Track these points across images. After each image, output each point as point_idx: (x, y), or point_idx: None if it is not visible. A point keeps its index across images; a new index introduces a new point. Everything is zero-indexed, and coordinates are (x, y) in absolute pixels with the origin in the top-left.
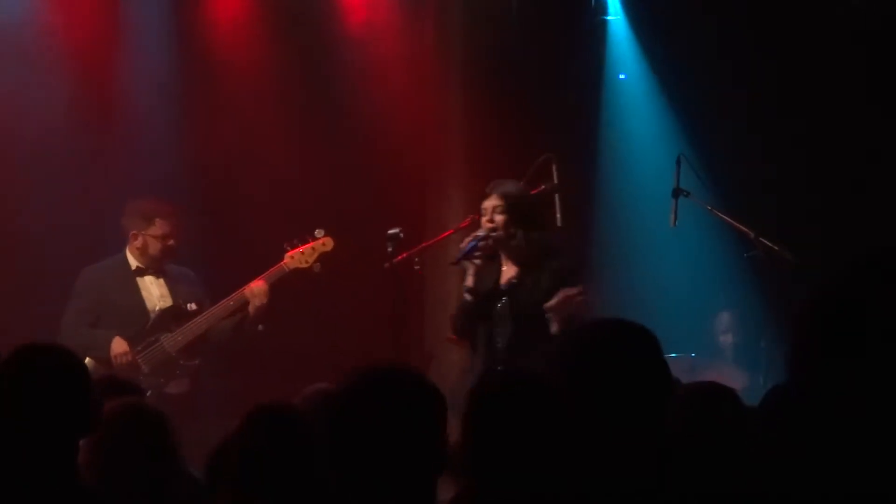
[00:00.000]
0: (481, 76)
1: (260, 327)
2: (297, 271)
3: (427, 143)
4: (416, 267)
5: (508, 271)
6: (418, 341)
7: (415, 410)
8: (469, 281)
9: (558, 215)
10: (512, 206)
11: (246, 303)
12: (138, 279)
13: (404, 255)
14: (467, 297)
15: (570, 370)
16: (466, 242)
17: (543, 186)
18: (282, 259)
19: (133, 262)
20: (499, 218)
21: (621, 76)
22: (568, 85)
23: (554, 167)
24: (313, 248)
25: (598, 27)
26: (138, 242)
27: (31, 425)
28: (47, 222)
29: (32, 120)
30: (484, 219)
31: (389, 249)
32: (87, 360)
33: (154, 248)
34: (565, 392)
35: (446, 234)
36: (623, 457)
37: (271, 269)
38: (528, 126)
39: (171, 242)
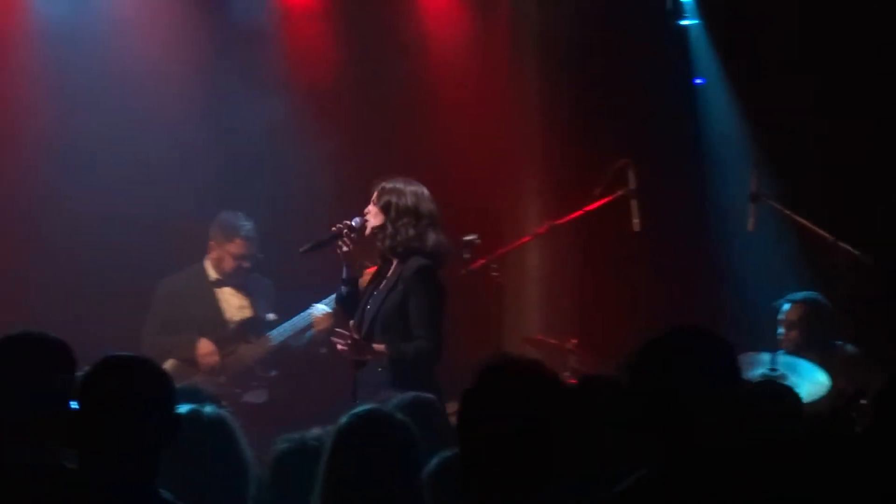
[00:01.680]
0: (557, 81)
1: (323, 350)
2: None
3: (503, 149)
4: (494, 273)
5: (371, 269)
6: (496, 347)
7: (537, 405)
8: (343, 272)
9: (635, 220)
10: (385, 201)
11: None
12: (217, 290)
13: (481, 261)
14: (341, 289)
15: (641, 377)
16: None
17: (621, 192)
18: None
19: (212, 274)
20: (372, 209)
21: (698, 80)
22: (645, 89)
23: (631, 172)
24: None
25: (674, 31)
26: (214, 255)
27: (116, 437)
28: (130, 231)
29: (109, 126)
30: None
31: (466, 256)
32: (171, 361)
33: (228, 264)
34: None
35: (523, 240)
36: (690, 462)
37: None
38: (604, 131)
39: (245, 265)
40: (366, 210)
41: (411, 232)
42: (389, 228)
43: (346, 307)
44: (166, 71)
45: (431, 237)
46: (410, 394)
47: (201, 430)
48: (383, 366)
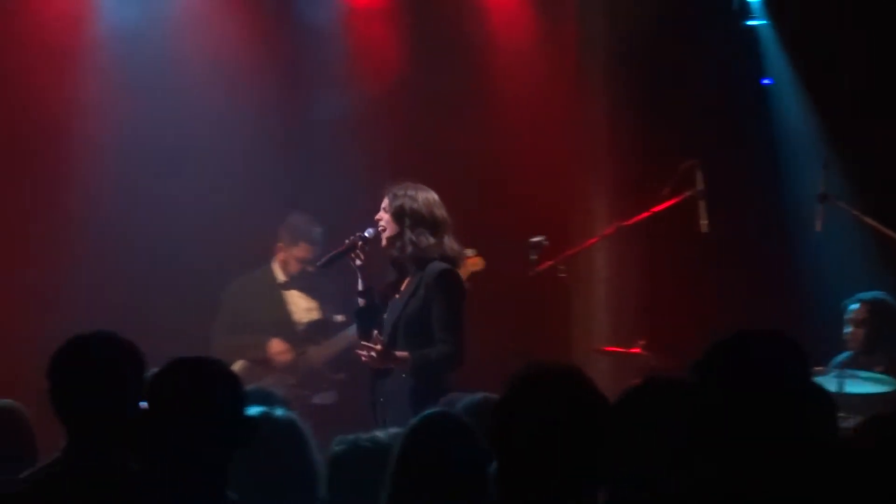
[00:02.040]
0: (624, 82)
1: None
2: None
3: (570, 150)
4: (561, 274)
5: (389, 278)
6: (565, 350)
7: (578, 413)
8: (359, 284)
9: (704, 221)
10: (398, 208)
11: None
12: (285, 292)
13: (549, 263)
14: (357, 301)
15: (708, 379)
16: (344, 245)
17: (689, 193)
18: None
19: (280, 276)
20: (385, 217)
21: (766, 81)
22: (712, 90)
23: (699, 173)
24: (464, 268)
25: (741, 31)
26: (282, 257)
27: (184, 439)
28: (201, 231)
29: (178, 128)
30: (377, 217)
31: (533, 258)
32: (240, 362)
33: (293, 267)
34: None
35: (591, 241)
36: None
37: None
38: (672, 132)
39: (309, 269)
40: (377, 217)
41: (431, 239)
42: (408, 236)
43: (363, 319)
44: (233, 71)
45: (448, 243)
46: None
47: (273, 433)
48: (406, 372)
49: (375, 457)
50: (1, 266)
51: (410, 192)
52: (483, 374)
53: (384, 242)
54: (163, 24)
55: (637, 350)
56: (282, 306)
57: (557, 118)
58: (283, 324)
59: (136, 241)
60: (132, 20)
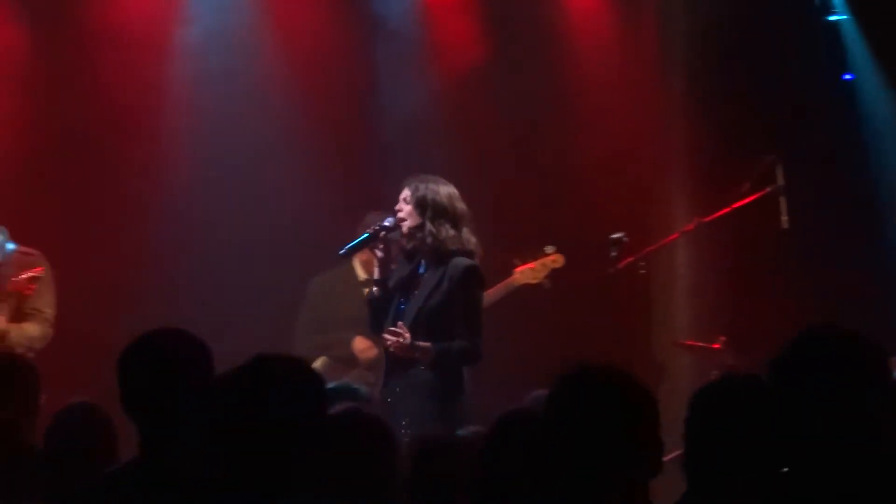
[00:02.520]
0: (704, 76)
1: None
2: (525, 287)
3: (649, 145)
4: (642, 271)
5: (403, 270)
6: (646, 346)
7: (625, 410)
8: (375, 272)
9: (784, 217)
10: (420, 199)
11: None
12: (365, 290)
13: (629, 259)
14: (373, 290)
15: (785, 377)
16: (381, 226)
17: (769, 189)
18: (510, 274)
19: (360, 273)
20: (406, 208)
21: (847, 76)
22: (793, 85)
23: (779, 169)
24: (543, 265)
25: (822, 27)
26: (363, 255)
27: (267, 436)
28: (280, 231)
29: (259, 130)
30: (396, 207)
31: (613, 254)
32: (322, 359)
33: (372, 265)
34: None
35: (671, 237)
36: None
37: (499, 284)
38: (752, 127)
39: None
40: (397, 208)
41: (451, 232)
42: (429, 227)
43: (376, 309)
44: (310, 68)
45: (466, 235)
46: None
47: (357, 430)
48: (425, 364)
49: (455, 454)
50: (78, 263)
51: (432, 185)
52: (548, 373)
53: (404, 232)
54: (242, 21)
55: (717, 346)
56: (361, 304)
57: (637, 114)
58: (362, 322)
59: (212, 237)
60: (214, 19)
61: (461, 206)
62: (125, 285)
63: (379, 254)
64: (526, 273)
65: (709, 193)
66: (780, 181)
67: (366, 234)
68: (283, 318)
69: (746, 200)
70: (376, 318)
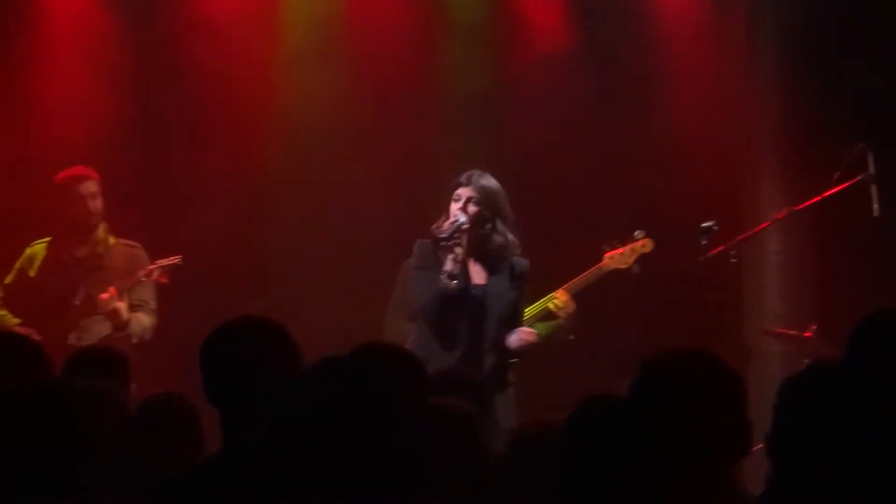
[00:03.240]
0: (795, 63)
1: (571, 337)
2: (615, 272)
3: (740, 134)
4: (733, 260)
5: (474, 268)
6: (736, 334)
7: (713, 393)
8: (449, 266)
9: (875, 205)
10: (486, 199)
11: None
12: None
13: (719, 248)
14: (450, 282)
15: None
16: (448, 225)
17: (860, 177)
18: (601, 260)
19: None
20: (472, 209)
21: None
22: (884, 71)
23: (870, 156)
24: (633, 250)
25: None
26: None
27: (368, 428)
28: (366, 219)
29: (343, 117)
30: (456, 206)
31: (703, 243)
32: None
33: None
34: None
35: (763, 225)
36: None
37: (590, 270)
38: (843, 114)
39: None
40: (458, 207)
41: (508, 233)
42: (500, 227)
43: (450, 303)
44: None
45: (516, 238)
46: None
47: (450, 423)
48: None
49: (544, 443)
50: (164, 251)
51: (494, 183)
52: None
53: (468, 228)
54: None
55: (808, 334)
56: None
57: (727, 101)
58: None
59: (300, 224)
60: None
61: (508, 205)
62: (210, 274)
63: (458, 248)
64: (615, 258)
65: (800, 182)
66: (871, 169)
67: (455, 226)
68: (371, 306)
69: (837, 189)
70: (443, 312)
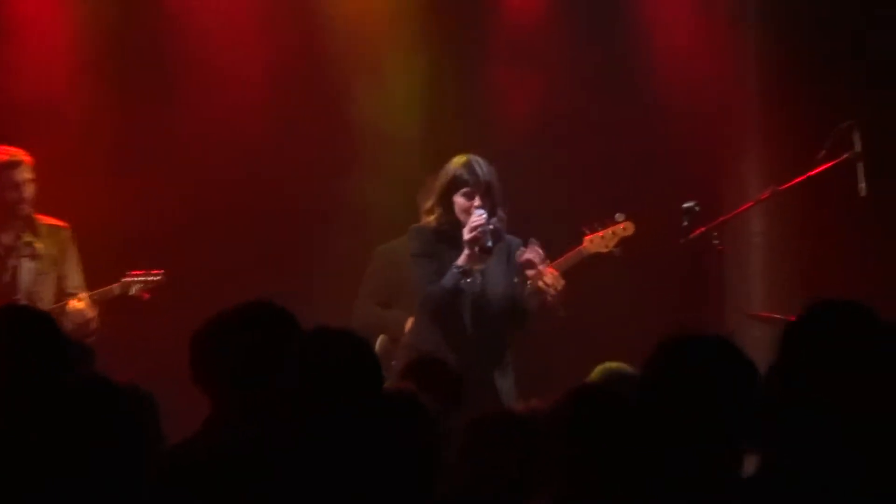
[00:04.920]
0: (777, 36)
1: (562, 313)
2: (596, 256)
3: (722, 112)
4: (715, 242)
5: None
6: (718, 317)
7: (723, 377)
8: (463, 261)
9: (862, 185)
10: (497, 190)
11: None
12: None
13: (701, 229)
14: (469, 281)
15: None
16: (480, 229)
17: (846, 155)
18: (580, 243)
19: None
20: (490, 204)
21: None
22: (870, 47)
23: (856, 134)
24: (613, 233)
25: None
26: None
27: (324, 409)
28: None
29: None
30: (471, 203)
31: (685, 224)
32: (382, 338)
33: None
34: None
35: (746, 205)
36: None
37: (569, 253)
38: (828, 91)
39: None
40: (475, 198)
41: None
42: (500, 212)
43: (459, 298)
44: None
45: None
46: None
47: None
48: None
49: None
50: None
51: (492, 168)
52: (635, 342)
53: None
54: None
55: (793, 318)
56: None
57: (708, 79)
58: None
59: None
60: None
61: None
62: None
63: (489, 244)
64: (595, 241)
65: (784, 160)
66: (858, 147)
67: (492, 223)
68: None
69: (823, 167)
70: (452, 308)
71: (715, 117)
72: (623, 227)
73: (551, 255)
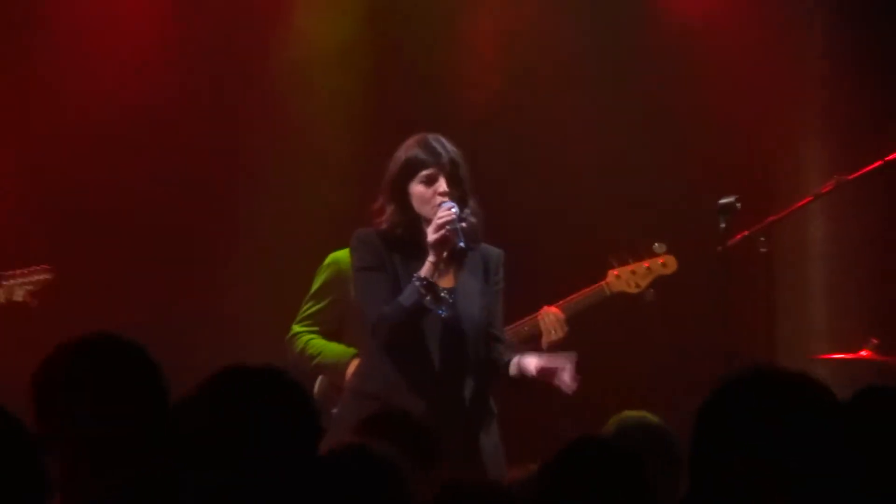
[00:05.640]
0: (843, 19)
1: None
2: (621, 296)
3: (775, 85)
4: (762, 248)
5: (444, 271)
6: (768, 354)
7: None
8: (427, 271)
9: None
10: (463, 174)
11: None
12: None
13: (743, 232)
14: (430, 295)
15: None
16: (447, 227)
17: None
18: (603, 276)
19: None
20: (456, 192)
21: None
22: None
23: None
24: (649, 269)
25: None
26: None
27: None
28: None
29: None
30: (432, 189)
31: (722, 226)
32: (322, 378)
33: None
34: None
35: (803, 202)
36: None
37: (586, 289)
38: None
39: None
40: (438, 183)
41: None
42: (472, 205)
43: (421, 318)
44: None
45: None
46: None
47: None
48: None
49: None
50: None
51: (455, 147)
52: (668, 376)
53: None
54: None
55: (867, 353)
56: None
57: (762, 44)
58: None
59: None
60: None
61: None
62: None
63: (461, 244)
64: (624, 277)
65: (851, 144)
66: None
67: (460, 216)
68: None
69: None
70: (414, 335)
71: (766, 92)
72: (662, 263)
73: (570, 287)
